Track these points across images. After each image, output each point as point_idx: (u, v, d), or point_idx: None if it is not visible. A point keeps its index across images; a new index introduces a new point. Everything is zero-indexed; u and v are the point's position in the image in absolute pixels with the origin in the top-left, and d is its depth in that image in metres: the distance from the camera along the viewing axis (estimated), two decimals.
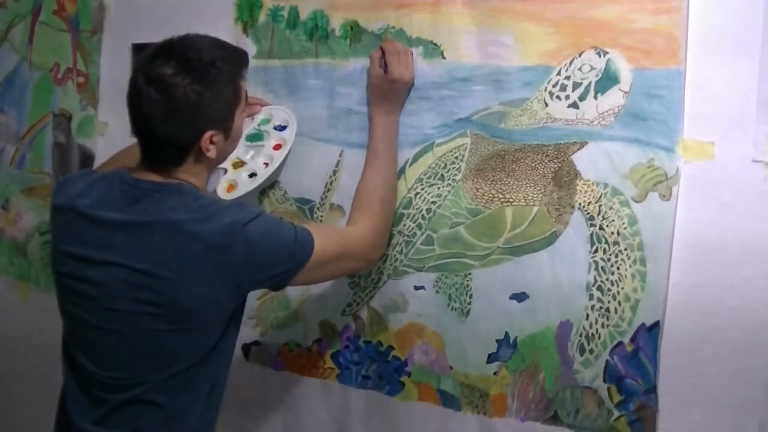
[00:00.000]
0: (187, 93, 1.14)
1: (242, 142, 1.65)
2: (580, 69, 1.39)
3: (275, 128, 1.65)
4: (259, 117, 1.67)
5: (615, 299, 1.37)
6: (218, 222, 1.14)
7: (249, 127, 1.66)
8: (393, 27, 1.55)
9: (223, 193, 1.62)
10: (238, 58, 1.26)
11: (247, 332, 1.76)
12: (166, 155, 1.20)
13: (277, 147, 1.64)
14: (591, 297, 1.39)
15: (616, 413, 1.38)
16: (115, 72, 1.96)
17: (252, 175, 1.63)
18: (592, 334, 1.40)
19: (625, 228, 1.36)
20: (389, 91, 1.48)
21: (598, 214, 1.38)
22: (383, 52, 1.50)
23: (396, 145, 1.51)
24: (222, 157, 1.29)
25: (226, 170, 1.65)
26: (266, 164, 1.63)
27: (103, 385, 1.21)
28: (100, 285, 1.18)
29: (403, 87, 1.48)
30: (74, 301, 1.24)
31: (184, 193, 1.20)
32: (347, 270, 1.46)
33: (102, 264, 1.17)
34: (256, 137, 1.65)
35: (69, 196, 1.25)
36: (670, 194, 1.32)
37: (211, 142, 1.20)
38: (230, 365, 1.34)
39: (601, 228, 1.38)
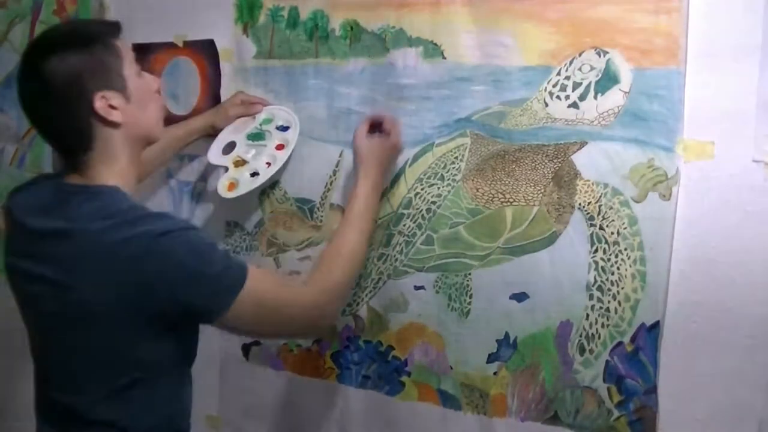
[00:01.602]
0: (57, 68, 1.08)
1: (244, 140, 1.66)
2: (580, 69, 1.39)
3: (278, 128, 1.65)
4: (261, 116, 1.67)
5: (615, 299, 1.37)
6: (132, 231, 1.04)
7: (250, 126, 1.66)
8: (393, 27, 1.55)
9: (223, 191, 1.62)
10: (102, 24, 1.21)
11: None
12: (72, 141, 1.12)
13: (280, 147, 1.64)
14: (591, 297, 1.39)
15: (616, 413, 1.38)
16: None
17: (254, 174, 1.63)
18: (592, 334, 1.40)
19: (625, 228, 1.36)
20: (385, 158, 1.45)
21: (598, 214, 1.38)
22: (379, 122, 1.48)
23: (376, 213, 1.43)
24: (141, 127, 1.18)
25: (227, 168, 1.65)
26: (269, 164, 1.63)
27: (55, 404, 1.16)
28: (34, 297, 1.14)
29: (397, 156, 1.49)
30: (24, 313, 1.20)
31: (103, 196, 1.11)
32: (288, 325, 1.21)
33: (34, 277, 1.12)
34: (257, 136, 1.66)
35: (15, 201, 1.21)
36: (670, 194, 1.32)
37: (111, 107, 1.11)
38: (188, 394, 1.24)
39: (601, 228, 1.38)
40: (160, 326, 1.09)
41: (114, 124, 1.12)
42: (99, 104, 1.10)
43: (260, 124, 1.66)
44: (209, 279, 1.06)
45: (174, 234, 1.05)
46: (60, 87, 1.08)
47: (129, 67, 1.16)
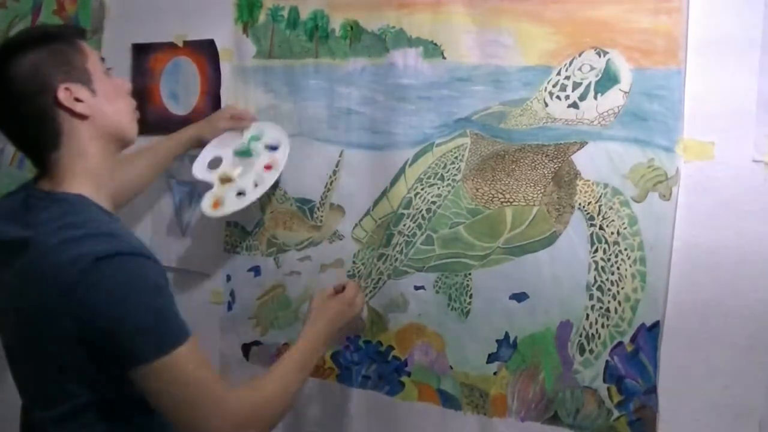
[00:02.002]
0: (20, 66, 1.05)
1: (230, 156, 1.60)
2: (580, 69, 1.39)
3: (267, 147, 1.61)
4: (249, 132, 1.62)
5: (615, 299, 1.37)
6: (77, 250, 0.97)
7: (238, 141, 1.62)
8: (393, 27, 1.55)
9: (207, 209, 1.56)
10: (67, 26, 1.23)
11: (247, 332, 1.77)
12: (38, 139, 1.08)
13: (268, 167, 1.60)
14: (591, 297, 1.39)
15: (616, 413, 1.38)
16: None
17: (240, 194, 1.59)
18: (592, 334, 1.40)
19: (625, 228, 1.36)
20: (335, 312, 1.36)
21: (598, 214, 1.38)
22: (345, 287, 1.44)
23: (310, 365, 1.28)
24: (110, 122, 1.12)
25: (213, 185, 1.59)
26: (256, 185, 1.59)
27: (28, 416, 1.12)
28: (1, 306, 1.10)
29: (352, 312, 1.40)
30: None
31: (64, 204, 1.05)
32: (194, 422, 1.02)
33: (2, 285, 1.08)
34: (244, 153, 1.61)
35: None
36: (670, 194, 1.32)
37: (77, 99, 1.07)
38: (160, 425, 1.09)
39: (601, 228, 1.38)
40: (97, 354, 1.00)
41: (80, 116, 1.08)
42: (63, 95, 1.07)
43: (248, 141, 1.62)
44: (133, 325, 0.96)
45: (115, 260, 0.96)
46: (22, 82, 1.05)
47: (94, 65, 1.13)
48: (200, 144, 1.66)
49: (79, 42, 1.13)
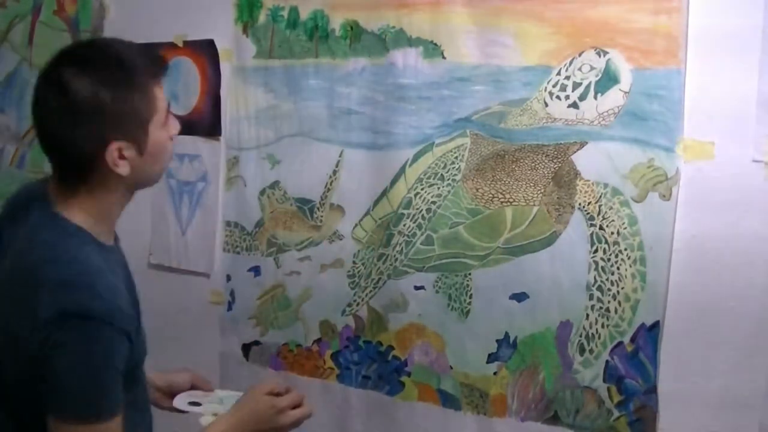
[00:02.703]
0: (86, 94, 0.98)
1: (207, 404, 1.37)
2: (580, 69, 1.39)
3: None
4: (215, 394, 1.39)
5: (615, 299, 1.37)
6: (46, 298, 0.96)
7: (211, 396, 1.40)
8: (393, 27, 1.55)
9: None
10: (153, 61, 1.06)
11: (247, 332, 1.76)
12: (69, 169, 1.04)
13: None
14: (591, 297, 1.39)
15: (616, 413, 1.38)
16: None
17: None
18: (592, 334, 1.40)
19: (625, 228, 1.36)
20: (266, 418, 1.22)
21: (598, 214, 1.38)
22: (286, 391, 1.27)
23: None
24: (142, 177, 1.08)
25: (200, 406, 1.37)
26: None
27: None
28: None
29: (279, 428, 1.23)
30: None
31: (59, 233, 1.03)
32: None
33: None
34: (218, 404, 1.37)
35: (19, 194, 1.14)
36: (670, 194, 1.32)
37: (121, 156, 1.01)
38: None
39: (601, 228, 1.38)
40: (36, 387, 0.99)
41: (118, 175, 1.03)
42: (111, 154, 1.01)
43: (219, 398, 1.39)
44: (66, 384, 0.97)
45: (79, 323, 0.96)
46: (80, 115, 0.99)
47: (157, 120, 1.06)
48: (168, 390, 1.38)
49: (154, 91, 1.05)
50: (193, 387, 1.34)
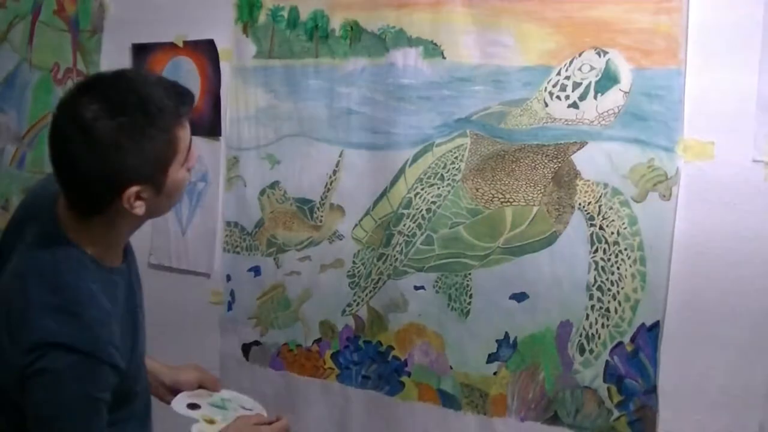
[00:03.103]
0: (107, 139, 0.95)
1: (207, 406, 1.38)
2: (580, 69, 1.39)
3: (243, 407, 1.39)
4: (219, 395, 1.40)
5: (615, 299, 1.37)
6: (38, 323, 0.96)
7: (215, 396, 1.40)
8: (393, 27, 1.55)
9: None
10: (178, 101, 1.01)
11: (247, 332, 1.76)
12: (83, 204, 1.01)
13: None
14: (591, 297, 1.39)
15: (616, 413, 1.38)
16: None
17: None
18: (592, 334, 1.40)
19: (625, 228, 1.36)
20: None
21: (598, 214, 1.38)
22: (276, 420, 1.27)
23: None
24: (156, 212, 1.06)
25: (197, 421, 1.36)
26: None
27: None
28: None
29: None
30: None
31: (61, 256, 1.01)
32: None
33: None
34: (219, 407, 1.39)
35: (36, 191, 1.14)
36: (670, 194, 1.32)
37: (138, 198, 0.99)
38: None
39: (601, 228, 1.38)
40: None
41: (132, 213, 1.02)
42: (128, 197, 0.99)
43: (221, 400, 1.41)
44: (45, 416, 0.96)
45: (67, 355, 0.95)
46: (101, 158, 0.96)
47: (179, 159, 1.03)
48: (172, 386, 1.39)
49: (178, 134, 1.01)
50: (200, 387, 1.32)
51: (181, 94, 1.01)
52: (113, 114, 0.95)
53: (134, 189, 0.98)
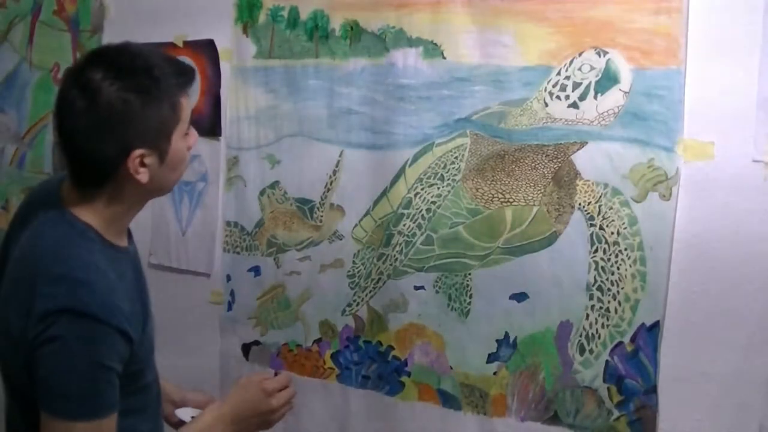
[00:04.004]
0: (113, 100, 0.98)
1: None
2: (580, 69, 1.39)
3: None
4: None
5: (615, 299, 1.37)
6: (49, 288, 0.97)
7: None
8: (393, 27, 1.55)
9: None
10: (181, 71, 1.05)
11: (247, 332, 1.77)
12: (87, 174, 1.03)
13: None
14: (591, 297, 1.39)
15: (616, 413, 1.38)
16: None
17: None
18: (592, 334, 1.40)
19: (625, 228, 1.36)
20: (256, 402, 1.22)
21: (598, 214, 1.38)
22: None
23: None
24: (159, 185, 1.08)
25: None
26: None
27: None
28: None
29: (267, 412, 1.23)
30: None
31: (66, 229, 1.03)
32: None
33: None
34: None
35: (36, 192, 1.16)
36: (670, 194, 1.32)
37: (142, 164, 1.01)
38: None
39: (601, 228, 1.38)
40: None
41: (137, 181, 1.03)
42: (133, 161, 1.01)
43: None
44: (57, 382, 0.96)
45: (76, 319, 0.95)
46: (108, 120, 0.98)
47: (180, 130, 1.06)
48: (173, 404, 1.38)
49: (181, 102, 1.04)
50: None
51: (184, 66, 1.06)
52: (119, 76, 0.98)
53: (139, 152, 1.00)
